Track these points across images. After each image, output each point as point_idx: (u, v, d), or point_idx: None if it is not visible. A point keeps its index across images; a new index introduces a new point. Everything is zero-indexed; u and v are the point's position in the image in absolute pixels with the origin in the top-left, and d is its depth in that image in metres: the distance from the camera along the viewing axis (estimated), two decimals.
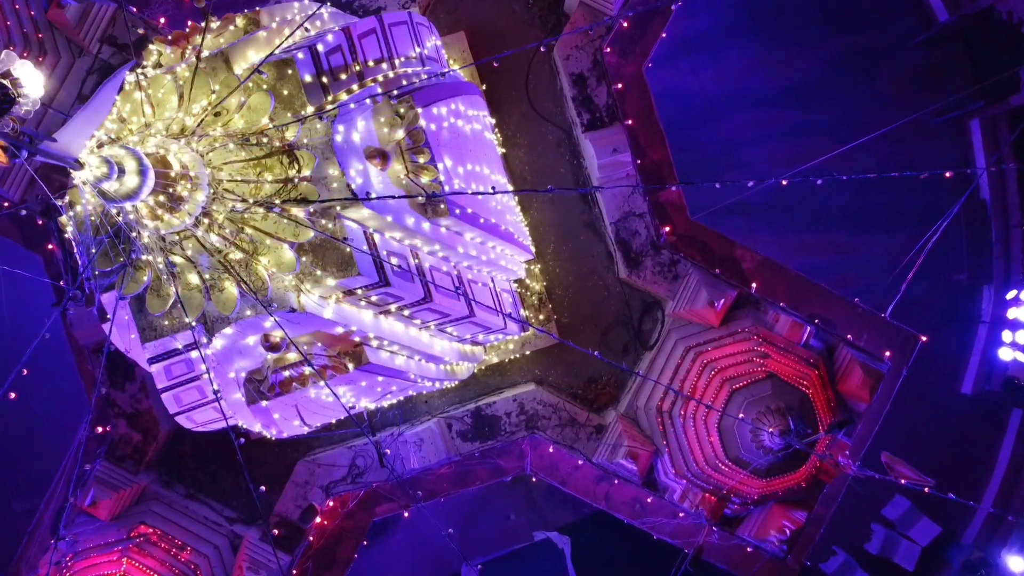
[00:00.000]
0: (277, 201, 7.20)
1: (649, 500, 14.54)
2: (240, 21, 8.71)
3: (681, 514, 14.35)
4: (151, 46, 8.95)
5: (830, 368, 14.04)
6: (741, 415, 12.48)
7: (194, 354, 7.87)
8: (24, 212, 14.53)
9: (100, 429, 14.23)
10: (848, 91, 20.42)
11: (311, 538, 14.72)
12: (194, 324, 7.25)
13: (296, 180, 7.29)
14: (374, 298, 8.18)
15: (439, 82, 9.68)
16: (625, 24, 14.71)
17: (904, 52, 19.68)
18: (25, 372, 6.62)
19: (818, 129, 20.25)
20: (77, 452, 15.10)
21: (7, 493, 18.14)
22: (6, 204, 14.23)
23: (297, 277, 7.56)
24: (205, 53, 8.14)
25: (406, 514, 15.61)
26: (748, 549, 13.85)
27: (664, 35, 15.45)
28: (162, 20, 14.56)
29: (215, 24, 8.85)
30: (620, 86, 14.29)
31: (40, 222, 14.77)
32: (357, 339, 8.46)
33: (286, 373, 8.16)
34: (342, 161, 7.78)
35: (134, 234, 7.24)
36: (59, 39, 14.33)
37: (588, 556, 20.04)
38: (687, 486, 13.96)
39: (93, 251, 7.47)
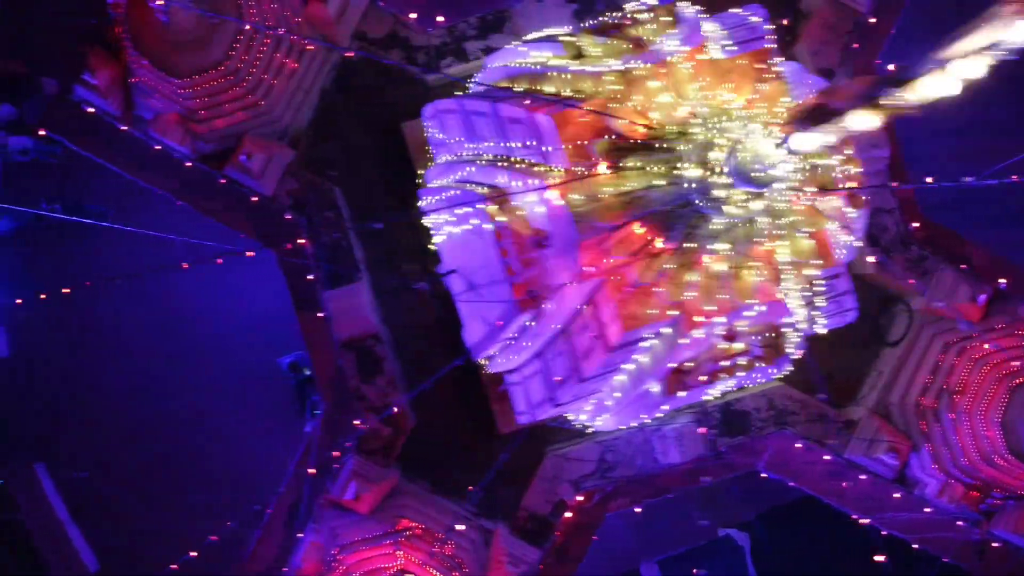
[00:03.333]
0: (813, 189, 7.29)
1: (898, 495, 14.58)
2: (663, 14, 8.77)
3: (931, 510, 14.39)
4: (566, 38, 9.00)
5: None
6: None
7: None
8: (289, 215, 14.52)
9: (357, 423, 14.21)
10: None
11: (557, 533, 14.73)
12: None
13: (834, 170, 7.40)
14: (821, 287, 8.28)
15: None
16: (872, 20, 14.82)
17: None
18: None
19: (992, 125, 20.29)
20: (311, 448, 15.14)
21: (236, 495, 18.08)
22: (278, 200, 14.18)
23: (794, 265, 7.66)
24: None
25: (638, 510, 15.63)
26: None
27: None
28: (412, 16, 14.58)
29: (642, 15, 8.88)
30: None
31: (288, 217, 14.75)
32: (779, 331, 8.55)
33: (724, 363, 8.23)
34: None
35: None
36: (312, 32, 14.33)
37: (768, 553, 20.05)
38: (945, 481, 13.99)
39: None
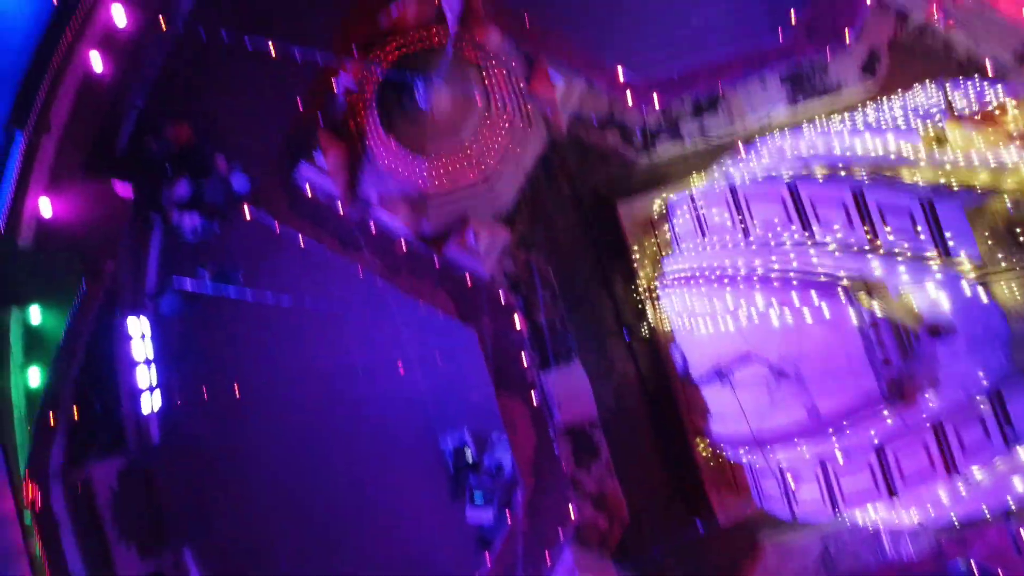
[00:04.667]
0: None
1: None
2: None
3: None
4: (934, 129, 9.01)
5: None
6: None
7: None
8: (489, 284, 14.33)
9: (572, 510, 13.73)
10: None
11: None
12: None
13: None
14: None
15: None
16: None
17: None
18: None
19: None
20: (515, 537, 14.53)
21: None
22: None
23: None
24: None
25: None
26: None
27: None
28: (629, 97, 14.70)
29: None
30: None
31: (504, 296, 14.52)
32: None
33: None
34: None
35: None
36: (535, 116, 14.41)
37: None
38: None
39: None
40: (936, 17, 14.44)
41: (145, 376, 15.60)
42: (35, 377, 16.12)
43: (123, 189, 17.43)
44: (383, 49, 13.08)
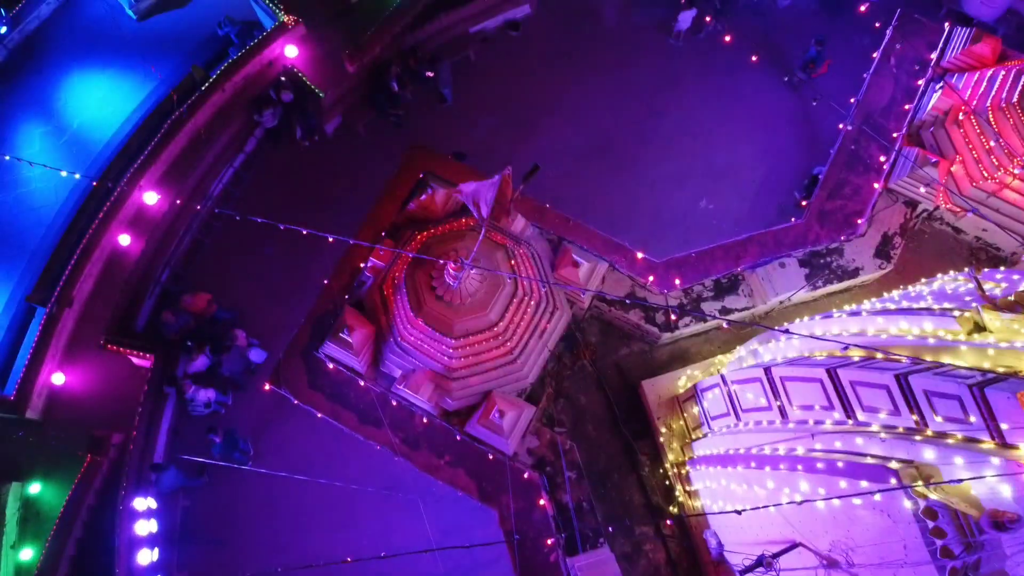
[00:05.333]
0: None
1: None
2: None
3: None
4: (966, 314, 9.10)
5: None
6: None
7: None
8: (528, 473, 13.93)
9: None
10: None
11: None
12: None
13: None
14: None
15: None
16: None
17: None
18: None
19: None
20: None
21: None
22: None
23: None
24: None
25: None
26: None
27: None
28: (651, 278, 15.00)
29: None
30: None
31: (527, 476, 14.08)
32: None
33: None
34: None
35: None
36: (559, 295, 14.62)
37: None
38: None
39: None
40: (943, 205, 15.06)
41: (147, 556, 14.79)
42: (28, 553, 15.39)
43: (140, 360, 17.40)
44: (412, 233, 13.49)
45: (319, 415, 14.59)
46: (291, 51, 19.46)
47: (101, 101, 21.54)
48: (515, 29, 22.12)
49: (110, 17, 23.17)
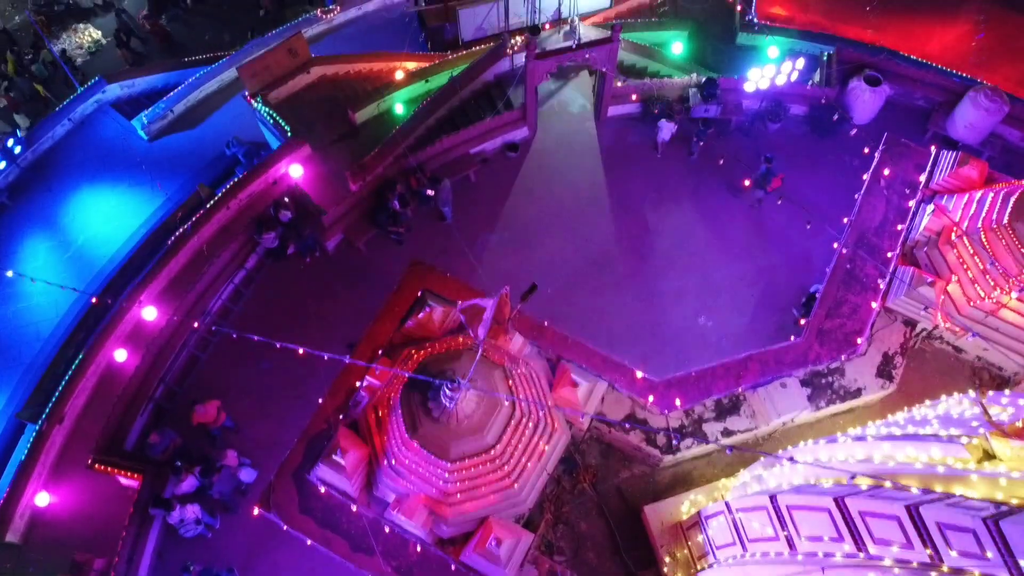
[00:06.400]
0: None
1: None
2: None
3: None
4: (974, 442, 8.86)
5: None
6: None
7: None
8: None
9: None
10: None
11: None
12: None
13: None
14: None
15: None
16: None
17: None
18: None
19: None
20: None
21: None
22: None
23: None
24: None
25: None
26: None
27: None
28: (651, 398, 14.78)
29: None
30: None
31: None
32: None
33: None
34: None
35: None
36: (558, 415, 14.36)
37: None
38: None
39: None
40: (943, 324, 15.01)
41: None
42: None
43: (128, 480, 16.95)
44: (409, 351, 13.39)
45: (309, 542, 14.04)
46: (296, 170, 19.94)
47: (107, 218, 21.93)
48: (513, 150, 22.77)
49: (122, 137, 23.92)
